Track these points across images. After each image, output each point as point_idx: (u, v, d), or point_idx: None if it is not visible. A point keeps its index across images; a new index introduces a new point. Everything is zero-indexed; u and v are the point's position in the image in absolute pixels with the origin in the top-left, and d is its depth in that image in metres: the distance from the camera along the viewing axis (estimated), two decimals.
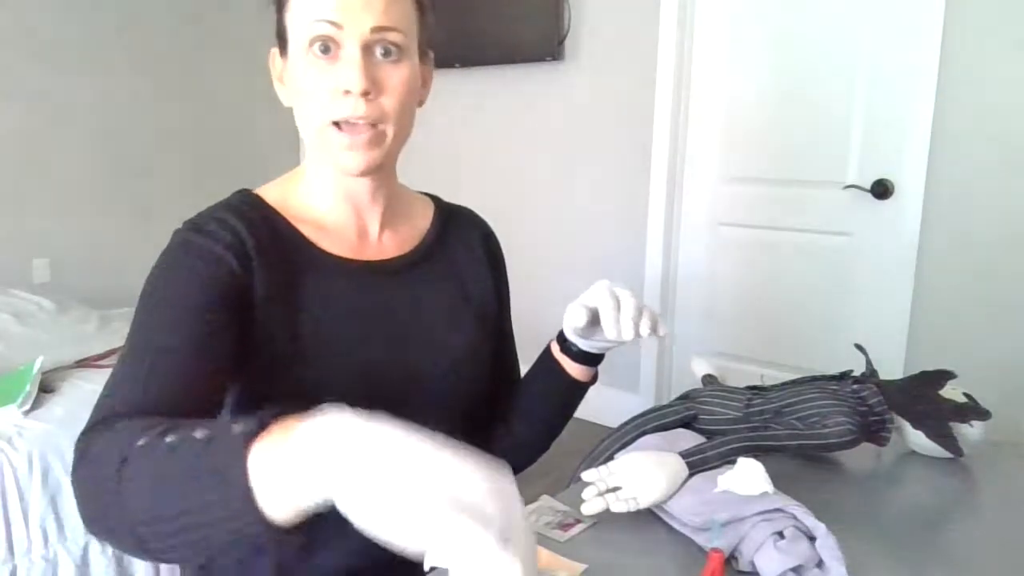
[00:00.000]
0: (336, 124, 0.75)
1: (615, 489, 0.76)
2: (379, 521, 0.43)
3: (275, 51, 0.81)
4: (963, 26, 2.12)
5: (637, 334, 0.75)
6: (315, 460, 0.44)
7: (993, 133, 2.12)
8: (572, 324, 0.80)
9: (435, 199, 0.97)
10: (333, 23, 0.73)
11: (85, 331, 2.17)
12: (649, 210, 2.86)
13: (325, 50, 0.73)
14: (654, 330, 0.76)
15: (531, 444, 0.96)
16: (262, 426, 0.48)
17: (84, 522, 0.59)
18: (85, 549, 1.48)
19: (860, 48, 2.35)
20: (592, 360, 0.88)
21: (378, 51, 0.75)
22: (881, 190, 2.33)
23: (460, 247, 0.93)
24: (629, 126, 2.86)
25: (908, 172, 2.27)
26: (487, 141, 3.22)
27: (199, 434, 0.51)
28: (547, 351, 0.91)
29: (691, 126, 2.76)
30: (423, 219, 0.92)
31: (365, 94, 0.73)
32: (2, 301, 2.42)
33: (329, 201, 0.83)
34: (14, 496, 1.40)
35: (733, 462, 0.77)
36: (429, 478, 0.42)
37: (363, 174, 0.78)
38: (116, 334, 2.10)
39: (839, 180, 2.42)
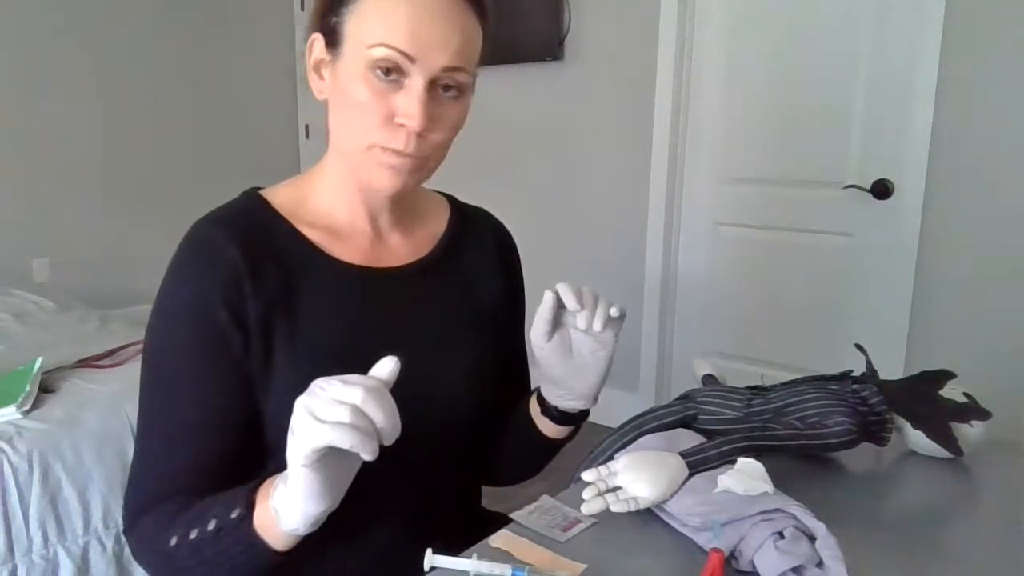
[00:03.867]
0: (382, 147, 0.73)
1: (615, 489, 0.76)
2: (305, 489, 0.60)
3: (318, 39, 0.76)
4: (963, 26, 2.12)
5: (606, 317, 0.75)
6: (286, 510, 0.62)
7: (993, 133, 2.12)
8: (536, 335, 0.79)
9: (451, 199, 0.95)
10: (406, 54, 0.70)
11: (85, 331, 2.17)
12: (649, 210, 2.86)
13: (387, 74, 0.71)
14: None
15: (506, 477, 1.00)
16: (249, 504, 0.65)
17: None
18: (85, 549, 1.48)
19: (860, 48, 2.35)
20: (570, 420, 0.86)
21: (440, 87, 0.73)
22: (881, 190, 2.33)
23: (474, 251, 0.92)
24: (629, 126, 2.85)
25: (908, 172, 2.27)
26: (487, 141, 3.22)
27: (210, 526, 0.67)
28: (525, 406, 0.90)
29: (691, 126, 2.76)
30: (438, 222, 0.91)
31: (420, 133, 0.72)
32: (2, 301, 2.42)
33: (345, 206, 0.82)
34: (14, 496, 1.40)
35: (733, 462, 0.77)
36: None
37: (393, 196, 0.78)
38: (116, 334, 2.10)
39: (839, 180, 2.42)
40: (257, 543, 0.65)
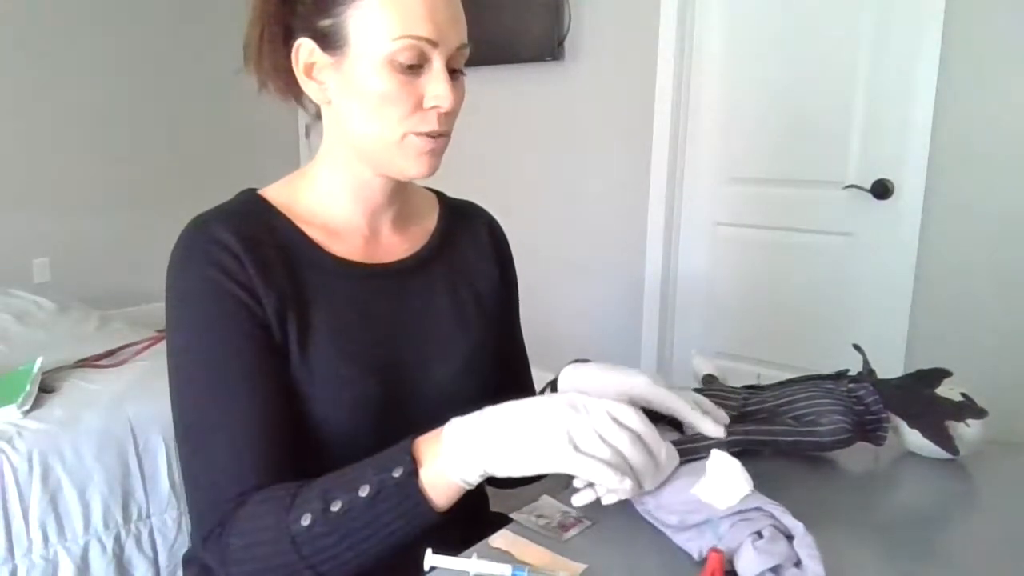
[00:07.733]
0: (416, 133, 0.76)
1: None
2: (522, 470, 0.63)
3: (306, 43, 0.76)
4: (963, 26, 2.12)
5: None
6: (470, 461, 0.63)
7: (993, 133, 2.12)
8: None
9: (439, 195, 0.97)
10: (430, 41, 0.73)
11: (85, 331, 2.17)
12: (649, 210, 2.86)
13: (412, 65, 0.73)
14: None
15: None
16: (414, 462, 0.64)
17: None
18: (85, 549, 1.48)
19: (860, 48, 2.35)
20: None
21: (449, 67, 0.76)
22: (881, 190, 2.33)
23: (467, 242, 0.94)
24: (629, 126, 2.86)
25: (908, 172, 2.27)
26: (487, 141, 3.22)
27: (363, 492, 0.64)
28: None
29: (691, 126, 2.77)
30: (429, 217, 0.92)
31: (448, 112, 0.75)
32: (2, 301, 2.42)
33: (342, 203, 0.83)
34: (14, 496, 1.40)
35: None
36: (545, 431, 0.63)
37: (426, 177, 0.80)
38: (116, 334, 2.10)
39: (839, 180, 2.43)
40: (423, 501, 0.64)
